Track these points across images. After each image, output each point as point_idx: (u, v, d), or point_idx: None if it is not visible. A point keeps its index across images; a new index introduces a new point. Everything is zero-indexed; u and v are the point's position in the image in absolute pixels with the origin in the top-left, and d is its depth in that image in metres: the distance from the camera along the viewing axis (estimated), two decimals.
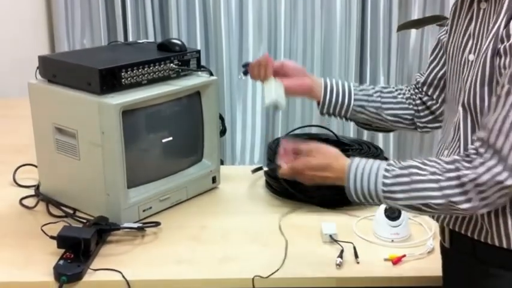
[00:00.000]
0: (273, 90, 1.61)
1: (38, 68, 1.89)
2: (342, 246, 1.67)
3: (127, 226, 1.74)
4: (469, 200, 1.24)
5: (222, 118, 2.06)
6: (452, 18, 1.43)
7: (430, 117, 1.66)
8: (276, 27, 3.65)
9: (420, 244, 1.70)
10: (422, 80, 1.65)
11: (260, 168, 2.09)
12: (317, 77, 1.69)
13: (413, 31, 3.71)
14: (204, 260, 1.63)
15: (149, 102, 1.81)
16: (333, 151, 1.44)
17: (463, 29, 1.37)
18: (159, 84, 1.86)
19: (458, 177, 1.24)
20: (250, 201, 2.01)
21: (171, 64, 1.90)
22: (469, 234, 1.34)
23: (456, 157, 1.27)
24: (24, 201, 1.95)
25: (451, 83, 1.41)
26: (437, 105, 1.63)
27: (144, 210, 1.84)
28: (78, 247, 1.57)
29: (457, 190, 1.24)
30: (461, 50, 1.36)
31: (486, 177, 1.22)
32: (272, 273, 1.58)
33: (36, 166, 2.01)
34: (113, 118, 1.70)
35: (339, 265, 1.61)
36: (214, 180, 2.06)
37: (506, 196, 1.23)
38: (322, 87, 1.66)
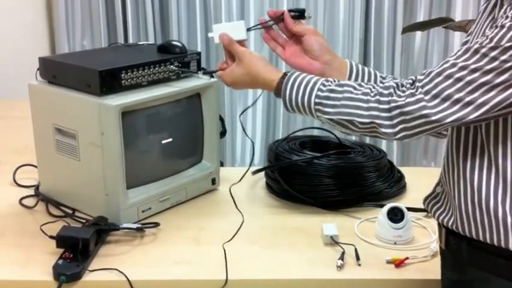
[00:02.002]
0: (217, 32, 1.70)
1: (38, 69, 1.89)
2: (343, 248, 1.66)
3: (126, 226, 1.74)
4: (391, 126, 1.30)
5: (222, 119, 2.05)
6: (475, 24, 1.44)
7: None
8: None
9: (423, 247, 1.69)
10: None
11: (261, 170, 2.08)
12: (340, 59, 1.66)
13: (418, 33, 3.69)
14: (203, 262, 1.63)
15: (149, 104, 1.81)
16: (258, 61, 1.59)
17: (481, 34, 1.37)
18: (159, 86, 1.86)
19: (388, 102, 1.30)
20: (250, 202, 2.00)
21: (171, 66, 1.90)
22: (461, 232, 1.34)
23: (393, 84, 1.32)
24: (24, 201, 1.95)
25: None
26: None
27: (143, 211, 1.84)
28: (77, 247, 1.57)
29: (383, 114, 1.31)
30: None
31: (412, 107, 1.27)
32: (272, 275, 1.58)
33: (36, 166, 2.01)
34: (112, 119, 1.70)
35: (340, 267, 1.60)
36: (213, 181, 2.06)
37: (428, 131, 1.29)
38: (347, 72, 1.63)
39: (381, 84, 1.34)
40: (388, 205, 1.76)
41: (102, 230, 1.69)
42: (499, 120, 1.26)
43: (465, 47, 1.25)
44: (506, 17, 1.19)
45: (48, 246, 1.63)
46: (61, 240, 1.60)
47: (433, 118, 1.25)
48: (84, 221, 1.78)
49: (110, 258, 1.63)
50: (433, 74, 1.26)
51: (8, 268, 1.60)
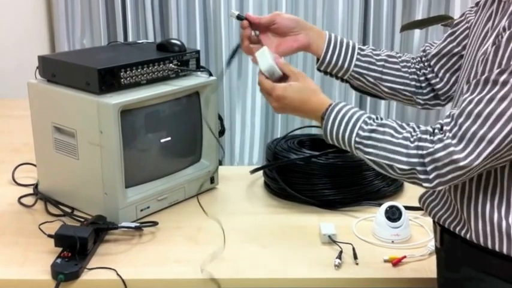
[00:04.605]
0: (268, 56, 1.54)
1: (37, 67, 1.90)
2: (340, 247, 1.67)
3: (125, 225, 1.74)
4: (425, 172, 1.26)
5: (221, 118, 2.06)
6: (476, 10, 1.43)
7: (431, 95, 1.64)
8: None
9: (421, 246, 1.70)
10: (433, 51, 1.62)
11: (259, 169, 2.09)
12: (319, 31, 1.66)
13: (417, 31, 3.69)
14: (202, 260, 1.63)
15: (148, 102, 1.82)
16: (314, 85, 1.49)
17: (483, 24, 1.35)
18: (158, 84, 1.87)
19: (422, 148, 1.26)
20: (248, 201, 2.01)
21: (170, 64, 1.90)
22: (456, 231, 1.34)
23: (429, 129, 1.28)
24: (23, 200, 1.96)
25: (462, 77, 1.40)
26: (441, 84, 1.61)
27: (141, 210, 1.85)
28: (76, 246, 1.58)
29: (420, 160, 1.26)
30: (478, 45, 1.35)
31: (441, 153, 1.22)
32: (270, 274, 1.59)
33: (35, 165, 2.02)
34: (111, 118, 1.71)
35: (338, 266, 1.60)
36: (212, 180, 2.06)
37: (461, 177, 1.23)
38: (325, 44, 1.63)
39: (422, 128, 1.30)
40: (386, 204, 1.77)
41: (100, 229, 1.69)
42: None
43: (475, 80, 1.22)
44: (504, 29, 1.17)
45: (46, 245, 1.64)
46: (59, 239, 1.61)
47: (462, 163, 1.20)
48: (82, 220, 1.79)
49: (108, 257, 1.64)
50: (455, 115, 1.23)
51: (6, 267, 1.61)
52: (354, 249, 1.66)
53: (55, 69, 1.86)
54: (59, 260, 1.56)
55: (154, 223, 1.78)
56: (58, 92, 1.83)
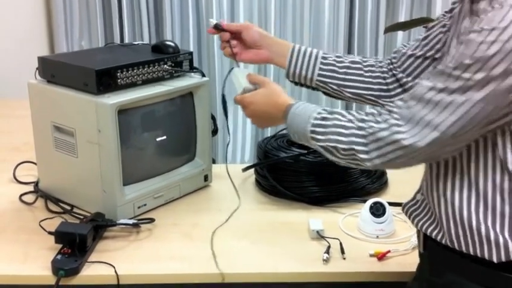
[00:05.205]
0: (239, 76, 1.69)
1: (37, 68, 1.92)
2: (328, 242, 1.70)
3: (123, 222, 1.77)
4: (366, 152, 1.30)
5: (213, 118, 2.07)
6: (452, 20, 1.45)
7: (401, 96, 1.56)
8: (266, 28, 3.67)
9: (404, 240, 1.73)
10: (408, 52, 1.63)
11: (250, 167, 2.12)
12: (285, 44, 1.74)
13: (400, 33, 3.73)
14: (196, 256, 1.66)
15: (144, 102, 1.84)
16: (278, 88, 1.57)
17: (456, 32, 1.38)
18: (153, 85, 1.89)
19: (365, 129, 1.30)
20: (240, 198, 2.03)
21: (165, 65, 1.93)
22: (438, 239, 1.35)
23: (375, 111, 1.32)
24: (24, 198, 1.97)
25: None
26: (411, 83, 1.63)
27: (139, 207, 1.87)
28: (75, 242, 1.60)
29: (360, 140, 1.30)
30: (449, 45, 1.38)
31: (385, 132, 1.26)
32: (261, 269, 1.62)
33: (35, 163, 2.03)
34: (109, 117, 1.73)
35: (326, 260, 1.63)
36: (206, 178, 2.09)
37: (402, 158, 1.26)
38: (288, 56, 1.71)
39: (367, 110, 1.34)
40: (370, 200, 1.81)
41: (99, 226, 1.72)
42: (479, 142, 1.25)
43: (435, 69, 1.25)
44: (468, 32, 1.19)
45: (47, 242, 1.66)
46: (59, 236, 1.63)
47: (406, 143, 1.23)
48: (82, 217, 1.81)
49: (107, 253, 1.66)
50: (408, 97, 1.26)
51: (8, 263, 1.63)
52: (341, 244, 1.69)
53: (54, 70, 1.88)
54: (59, 256, 1.58)
55: (151, 220, 1.80)
56: (57, 92, 1.85)
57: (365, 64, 1.71)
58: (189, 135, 2.04)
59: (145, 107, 1.86)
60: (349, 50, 3.81)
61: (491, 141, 1.24)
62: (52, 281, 1.55)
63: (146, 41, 3.60)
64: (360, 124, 1.32)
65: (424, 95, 1.23)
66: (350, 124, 1.34)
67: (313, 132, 1.40)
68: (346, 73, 1.69)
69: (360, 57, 1.73)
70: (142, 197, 1.88)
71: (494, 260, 1.25)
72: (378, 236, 1.75)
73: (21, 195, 1.99)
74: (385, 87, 1.69)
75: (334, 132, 1.35)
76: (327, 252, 1.66)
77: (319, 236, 1.74)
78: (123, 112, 1.77)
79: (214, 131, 2.10)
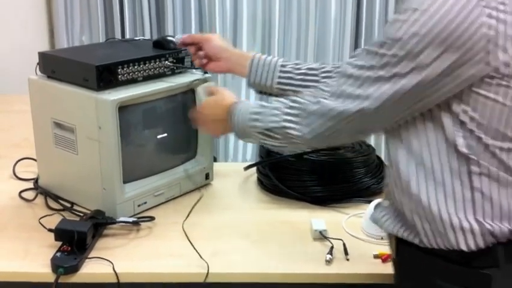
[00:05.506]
0: (201, 94, 1.91)
1: (38, 63, 1.91)
2: (331, 243, 1.69)
3: (122, 220, 1.76)
4: (297, 129, 1.39)
5: None
6: None
7: None
8: (270, 25, 3.66)
9: None
10: None
11: (252, 166, 2.11)
12: (245, 55, 1.82)
13: None
14: (196, 254, 1.65)
15: (145, 99, 1.83)
16: (227, 94, 1.69)
17: None
18: (154, 81, 1.89)
19: (295, 107, 1.39)
20: (242, 197, 2.03)
21: (166, 61, 1.92)
22: (410, 239, 1.35)
23: (308, 92, 1.41)
24: (24, 194, 1.97)
25: None
26: None
27: (139, 205, 1.87)
28: (75, 240, 1.59)
29: (291, 118, 1.39)
30: None
31: (314, 106, 1.36)
32: (262, 269, 1.61)
33: (35, 160, 2.03)
34: (109, 114, 1.72)
35: (329, 261, 1.62)
36: (207, 176, 2.08)
37: (332, 129, 1.35)
38: (248, 67, 1.79)
39: (303, 91, 1.44)
40: (375, 201, 1.79)
41: (99, 224, 1.71)
42: (430, 127, 1.27)
43: (361, 48, 1.34)
44: (394, 13, 1.26)
45: (46, 239, 1.65)
46: (59, 233, 1.63)
47: (333, 114, 1.32)
48: (82, 214, 1.80)
49: (106, 251, 1.65)
50: (335, 73, 1.36)
51: (8, 260, 1.62)
52: (344, 244, 1.68)
53: (55, 66, 1.87)
54: (58, 254, 1.58)
55: (151, 218, 1.80)
56: (58, 88, 1.84)
57: (322, 71, 1.77)
58: (190, 133, 2.03)
59: (146, 104, 1.85)
60: (356, 48, 3.78)
61: (441, 127, 1.26)
62: (52, 278, 1.54)
63: (147, 36, 3.59)
64: (292, 104, 1.42)
65: (348, 70, 1.31)
66: (282, 105, 1.44)
67: (251, 120, 1.49)
68: (302, 79, 1.76)
69: (318, 64, 1.80)
70: (142, 194, 1.88)
71: (464, 248, 1.26)
72: (382, 238, 1.73)
73: (21, 191, 1.98)
74: None
75: (269, 114, 1.46)
76: (330, 253, 1.65)
77: (322, 236, 1.73)
78: (123, 109, 1.77)
79: None
